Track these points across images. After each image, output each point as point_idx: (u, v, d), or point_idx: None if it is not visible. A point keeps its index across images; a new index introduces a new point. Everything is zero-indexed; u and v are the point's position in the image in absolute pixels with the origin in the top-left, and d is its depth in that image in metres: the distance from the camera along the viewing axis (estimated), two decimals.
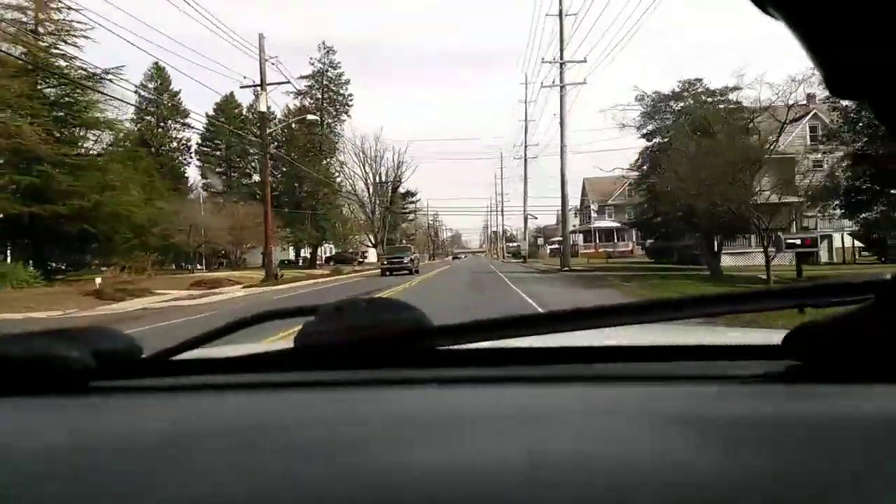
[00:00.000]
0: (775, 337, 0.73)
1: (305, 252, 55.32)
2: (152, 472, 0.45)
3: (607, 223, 67.30)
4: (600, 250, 67.16)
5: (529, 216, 49.00)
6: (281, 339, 1.08)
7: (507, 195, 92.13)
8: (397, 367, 0.76)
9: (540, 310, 3.04)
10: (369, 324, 0.69)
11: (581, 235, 67.38)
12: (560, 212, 28.57)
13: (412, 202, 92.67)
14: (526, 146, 46.66)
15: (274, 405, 0.66)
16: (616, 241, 63.27)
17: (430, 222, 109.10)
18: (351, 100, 48.62)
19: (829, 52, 0.41)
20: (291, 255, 50.30)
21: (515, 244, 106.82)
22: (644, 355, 0.82)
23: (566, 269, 26.37)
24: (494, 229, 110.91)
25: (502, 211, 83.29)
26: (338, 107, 48.89)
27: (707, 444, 0.47)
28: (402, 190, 77.49)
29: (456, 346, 0.73)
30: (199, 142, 52.11)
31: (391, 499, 0.39)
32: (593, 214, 52.62)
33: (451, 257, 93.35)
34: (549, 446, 0.47)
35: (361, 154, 59.42)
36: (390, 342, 0.70)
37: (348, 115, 49.12)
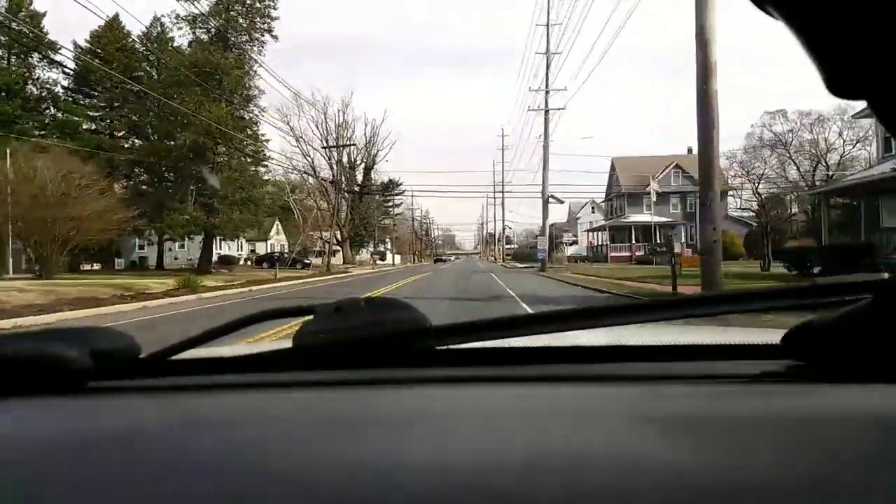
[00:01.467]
0: (775, 337, 0.77)
1: (233, 248, 36.22)
2: (150, 473, 0.47)
3: (647, 217, 46.71)
4: (636, 254, 45.93)
5: (552, 200, 29.64)
6: (279, 338, 1.01)
7: (508, 179, 74.34)
8: (396, 367, 0.81)
9: None
10: (367, 323, 0.73)
11: (608, 234, 54.35)
12: (701, 182, 8.44)
13: (396, 194, 73.56)
14: (547, 91, 27.70)
15: (272, 405, 0.70)
16: (657, 240, 48.76)
17: (417, 217, 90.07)
18: (274, 6, 29.28)
19: (829, 52, 0.42)
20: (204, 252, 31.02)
21: (514, 245, 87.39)
22: (644, 355, 0.89)
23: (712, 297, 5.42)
24: (491, 231, 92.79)
25: (503, 203, 64.68)
26: (254, 18, 29.33)
27: (707, 444, 0.49)
28: (384, 178, 58.23)
29: (454, 346, 0.78)
30: (67, 86, 32.73)
31: (390, 498, 0.41)
32: (650, 200, 34.44)
33: (434, 260, 74.26)
34: (547, 446, 0.50)
35: (324, 124, 40.32)
36: (389, 342, 0.74)
37: (272, 35, 29.78)
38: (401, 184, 73.21)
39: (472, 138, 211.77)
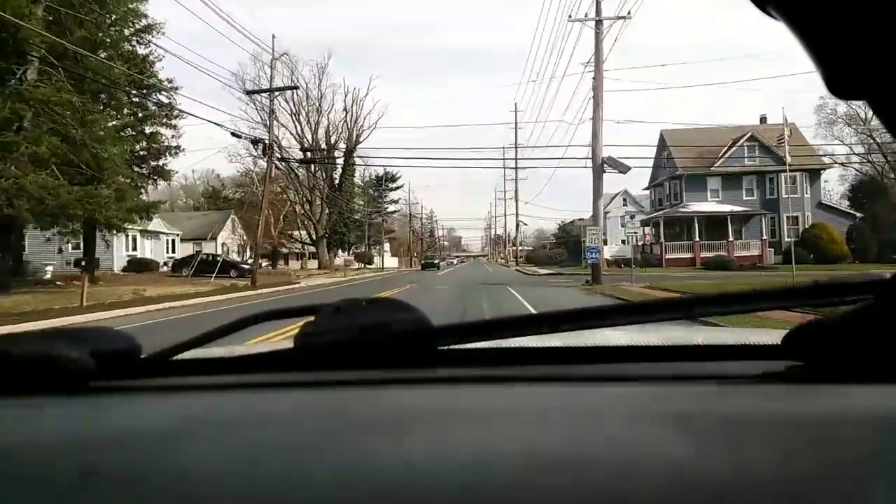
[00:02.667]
0: (775, 337, 0.83)
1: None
2: (152, 473, 0.49)
3: (714, 206, 30.07)
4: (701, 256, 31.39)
5: (608, 167, 15.44)
6: (280, 339, 1.05)
7: (532, 136, 63.60)
8: (397, 367, 0.88)
9: None
10: (369, 324, 0.78)
11: (662, 228, 41.37)
12: None
13: (392, 189, 60.50)
14: None
15: (273, 405, 0.75)
16: (731, 238, 36.93)
17: (416, 214, 77.00)
18: None
19: (829, 52, 0.43)
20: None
21: (527, 247, 73.25)
22: (644, 355, 0.96)
23: None
24: (499, 232, 79.94)
25: (517, 194, 51.12)
26: None
27: (707, 444, 0.51)
28: (371, 167, 46.26)
29: (456, 346, 0.85)
30: None
31: (390, 498, 0.43)
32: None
33: (423, 266, 61.44)
34: (548, 446, 0.52)
35: (295, 96, 28.95)
36: (390, 342, 0.79)
37: None
38: (399, 177, 60.34)
39: (480, 132, 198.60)
